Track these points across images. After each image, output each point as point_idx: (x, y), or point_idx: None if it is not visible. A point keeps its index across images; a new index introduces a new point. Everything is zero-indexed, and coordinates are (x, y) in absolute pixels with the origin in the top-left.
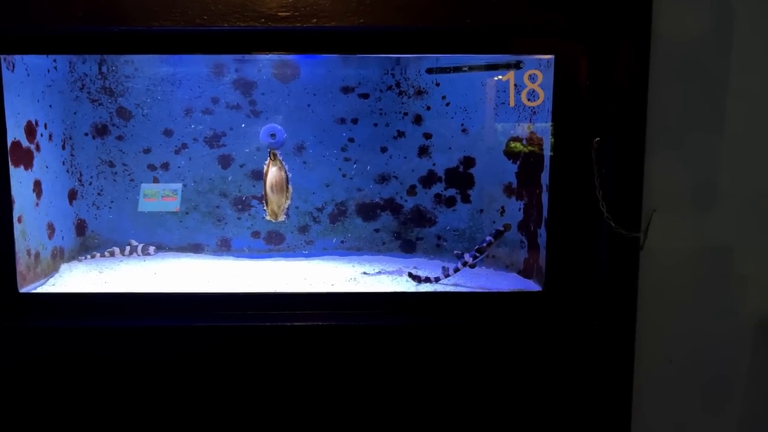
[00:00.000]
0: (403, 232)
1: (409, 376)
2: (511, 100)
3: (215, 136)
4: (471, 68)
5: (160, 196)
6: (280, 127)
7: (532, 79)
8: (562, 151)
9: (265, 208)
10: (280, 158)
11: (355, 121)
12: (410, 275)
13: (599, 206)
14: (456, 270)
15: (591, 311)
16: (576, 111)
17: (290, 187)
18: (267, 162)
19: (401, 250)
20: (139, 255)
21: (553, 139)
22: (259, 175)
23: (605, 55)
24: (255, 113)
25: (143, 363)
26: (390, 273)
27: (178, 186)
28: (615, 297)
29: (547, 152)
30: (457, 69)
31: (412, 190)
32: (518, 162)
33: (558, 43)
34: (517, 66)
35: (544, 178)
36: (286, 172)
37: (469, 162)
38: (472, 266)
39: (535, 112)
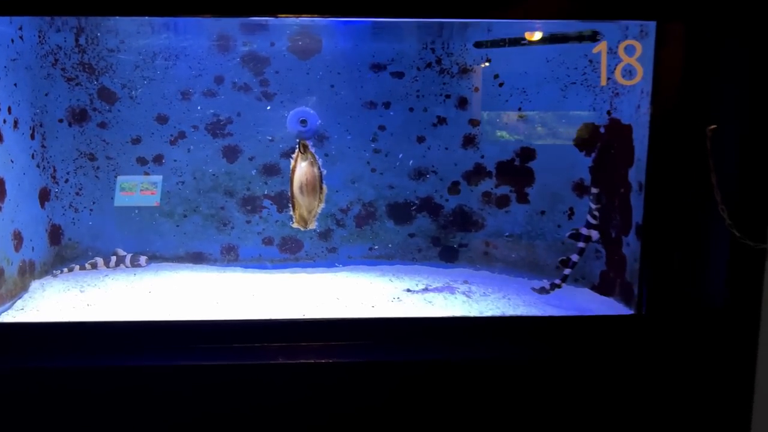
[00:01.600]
0: (443, 237)
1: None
2: (602, 77)
3: (219, 124)
4: (531, 42)
5: (138, 190)
6: (312, 112)
7: (629, 52)
8: (664, 141)
9: (292, 213)
10: (313, 151)
11: (387, 105)
12: (552, 286)
13: (718, 211)
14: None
15: (702, 340)
16: (683, 91)
17: (324, 187)
18: (295, 155)
19: (441, 259)
20: (127, 267)
21: (651, 127)
22: (272, 170)
23: (727, 21)
24: (267, 96)
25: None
26: (439, 290)
27: (158, 178)
28: (735, 323)
29: (640, 143)
30: (513, 42)
31: (454, 188)
32: (593, 154)
33: (662, 4)
34: (592, 38)
35: (634, 174)
36: (319, 168)
37: (527, 154)
38: (559, 287)
39: (617, 93)
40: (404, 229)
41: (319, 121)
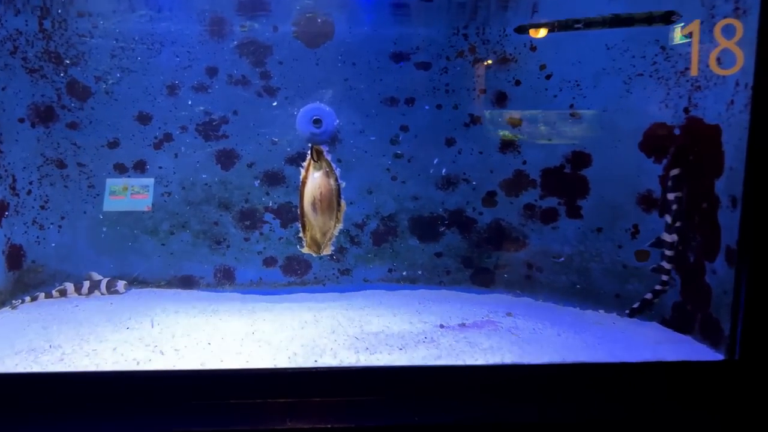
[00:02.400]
0: (476, 257)
1: None
2: (694, 65)
3: (212, 124)
4: (589, 24)
5: (129, 193)
6: (328, 109)
7: (727, 34)
8: None
9: (302, 234)
10: (329, 158)
11: (410, 101)
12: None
13: None
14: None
15: None
16: None
17: (343, 203)
18: (306, 164)
19: (473, 283)
20: (102, 294)
21: (752, 128)
22: (275, 179)
23: None
24: (269, 90)
25: None
26: (479, 326)
27: (150, 181)
28: None
29: (734, 147)
30: (564, 25)
31: (490, 199)
32: (665, 160)
33: None
34: (666, 19)
35: (723, 186)
36: (336, 180)
37: (581, 159)
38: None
39: (698, 86)
40: (430, 247)
41: (337, 121)
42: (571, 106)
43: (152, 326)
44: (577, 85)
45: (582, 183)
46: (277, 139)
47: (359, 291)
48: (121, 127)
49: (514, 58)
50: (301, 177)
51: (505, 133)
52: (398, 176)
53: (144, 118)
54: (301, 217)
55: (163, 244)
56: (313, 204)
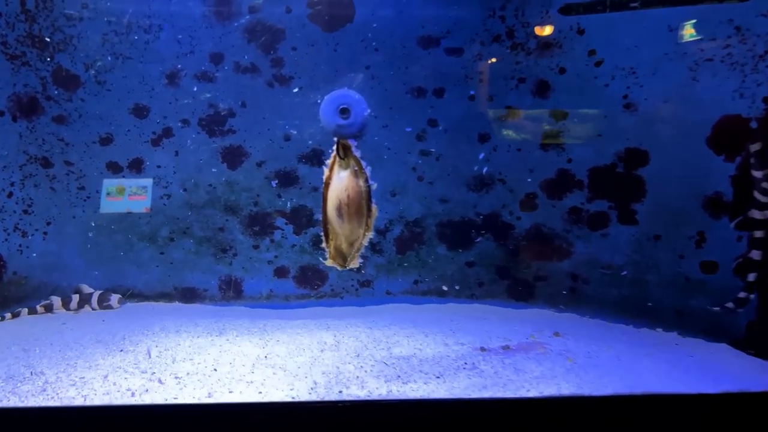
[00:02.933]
0: (513, 267)
1: None
2: None
3: (218, 117)
4: (648, 2)
5: (126, 194)
6: (357, 96)
7: None
8: None
9: (325, 244)
10: (357, 155)
11: (439, 92)
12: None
13: None
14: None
15: None
16: None
17: (374, 207)
18: (331, 162)
19: (510, 297)
20: (94, 309)
21: None
22: (288, 179)
23: None
24: (281, 79)
25: None
26: (525, 349)
27: (148, 182)
28: None
29: None
30: (618, 4)
31: (529, 202)
32: (738, 159)
33: None
34: None
35: None
36: (366, 180)
37: (636, 157)
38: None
39: None
40: (461, 256)
41: (368, 111)
42: (626, 96)
43: (149, 356)
44: (633, 72)
45: (637, 184)
46: (294, 131)
47: (382, 305)
48: (115, 120)
49: (557, 42)
50: (324, 177)
51: (548, 128)
52: (425, 176)
53: (140, 111)
54: (324, 224)
55: (161, 253)
56: (339, 209)
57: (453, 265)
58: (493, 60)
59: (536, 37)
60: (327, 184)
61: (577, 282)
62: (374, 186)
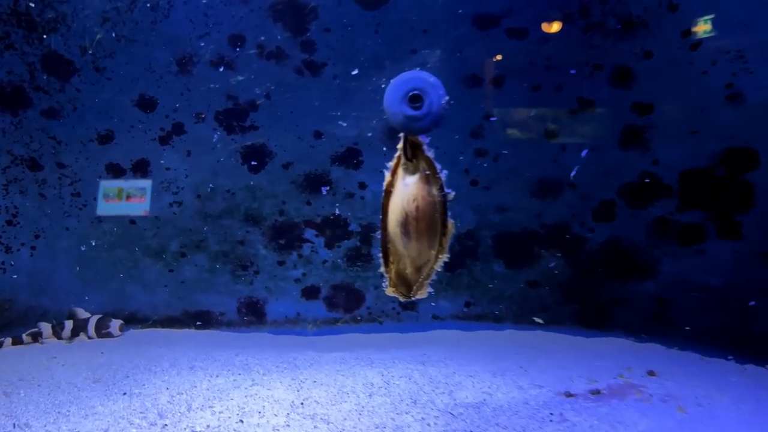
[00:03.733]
0: (584, 288)
1: None
2: None
3: (238, 111)
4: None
5: (124, 196)
6: (432, 79)
7: None
8: None
9: (384, 269)
10: (430, 155)
11: (498, 81)
12: None
13: None
14: None
15: None
16: None
17: (451, 223)
18: (394, 163)
19: (580, 323)
20: (91, 338)
21: None
22: (318, 183)
23: None
24: (312, 66)
25: None
26: (619, 394)
27: (147, 183)
28: None
29: None
30: None
31: (605, 211)
32: None
33: None
34: None
35: None
36: (441, 188)
37: (742, 159)
38: None
39: None
40: (520, 274)
41: (446, 98)
42: (730, 85)
43: (160, 417)
44: (741, 56)
45: (743, 191)
46: (322, 134)
47: (428, 332)
48: (117, 114)
49: (644, 21)
50: (385, 184)
51: (692, 127)
52: (480, 180)
53: (147, 104)
54: (384, 243)
55: (171, 270)
56: (405, 224)
57: (512, 285)
58: (563, 43)
59: (617, 15)
60: (388, 193)
61: (663, 306)
62: (452, 195)
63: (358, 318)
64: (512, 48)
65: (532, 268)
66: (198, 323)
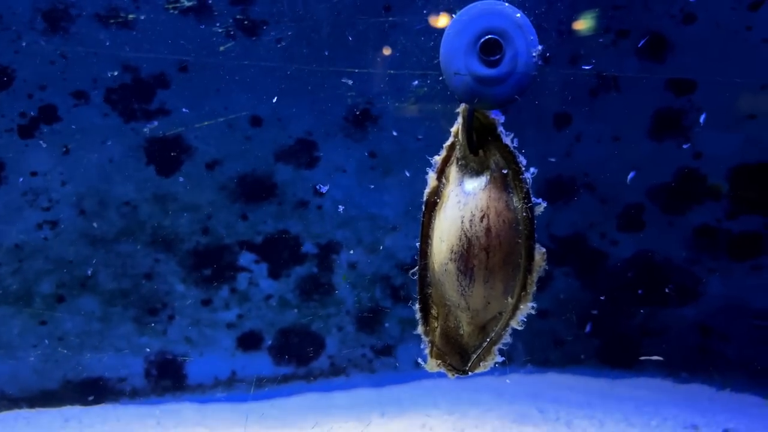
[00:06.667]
0: (607, 317)
1: None
2: None
3: (139, 88)
4: None
5: None
6: (518, 15)
7: None
8: None
9: (422, 329)
10: (508, 142)
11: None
12: None
13: None
14: None
15: None
16: None
17: (540, 253)
18: (442, 157)
19: (603, 361)
20: None
21: None
22: (259, 189)
23: None
24: (245, 27)
25: None
26: None
27: None
28: None
29: None
30: None
31: (632, 218)
32: None
33: None
34: None
35: None
36: (526, 198)
37: None
38: None
39: None
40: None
41: (540, 48)
42: None
43: None
44: None
45: None
46: (293, 106)
47: (411, 384)
48: None
49: None
50: (428, 190)
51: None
52: None
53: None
54: (422, 287)
55: (42, 323)
56: (464, 256)
57: None
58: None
59: None
60: (431, 206)
61: (709, 338)
62: (542, 208)
63: (315, 373)
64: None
65: (541, 293)
66: (89, 398)
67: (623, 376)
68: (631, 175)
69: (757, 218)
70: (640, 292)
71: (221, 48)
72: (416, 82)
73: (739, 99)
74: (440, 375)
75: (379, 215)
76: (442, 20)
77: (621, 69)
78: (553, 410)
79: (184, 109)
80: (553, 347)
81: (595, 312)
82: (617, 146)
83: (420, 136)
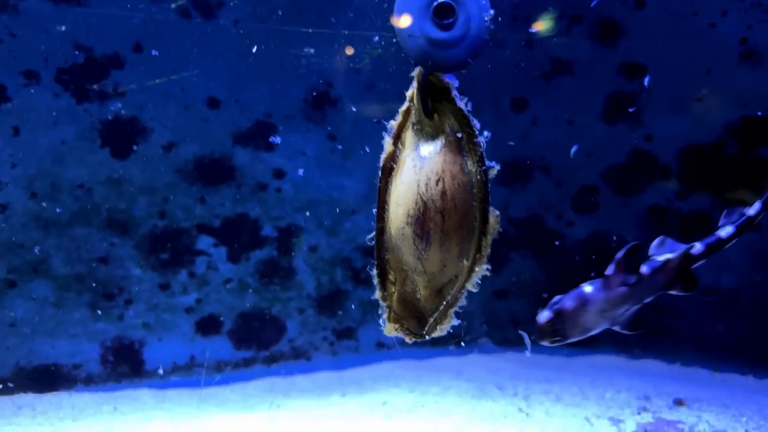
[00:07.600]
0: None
1: None
2: None
3: (93, 67)
4: None
5: None
6: None
7: None
8: None
9: (380, 294)
10: (462, 106)
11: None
12: None
13: None
14: None
15: None
16: None
17: (494, 216)
18: (399, 121)
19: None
20: None
21: None
22: (216, 171)
23: None
24: (203, 5)
25: None
26: None
27: None
28: None
29: None
30: None
31: (587, 199)
32: None
33: None
34: None
35: None
36: (480, 160)
37: (758, 132)
38: None
39: None
40: (485, 282)
41: (492, 12)
42: (744, 41)
43: None
44: (759, 4)
45: (760, 171)
46: (252, 86)
47: (374, 365)
48: None
49: None
50: (384, 155)
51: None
52: None
53: None
54: (380, 252)
55: None
56: (420, 220)
57: (474, 297)
58: None
59: None
60: (388, 171)
61: (661, 315)
62: (495, 171)
63: (276, 355)
64: None
65: (499, 274)
66: (43, 385)
67: (579, 354)
68: (574, 149)
69: (706, 198)
70: (593, 274)
71: (177, 27)
72: (376, 39)
73: (687, 82)
74: (401, 356)
75: (336, 196)
76: None
77: (573, 54)
78: (512, 386)
79: (139, 90)
80: (510, 327)
81: (550, 292)
82: (572, 128)
83: (378, 118)
